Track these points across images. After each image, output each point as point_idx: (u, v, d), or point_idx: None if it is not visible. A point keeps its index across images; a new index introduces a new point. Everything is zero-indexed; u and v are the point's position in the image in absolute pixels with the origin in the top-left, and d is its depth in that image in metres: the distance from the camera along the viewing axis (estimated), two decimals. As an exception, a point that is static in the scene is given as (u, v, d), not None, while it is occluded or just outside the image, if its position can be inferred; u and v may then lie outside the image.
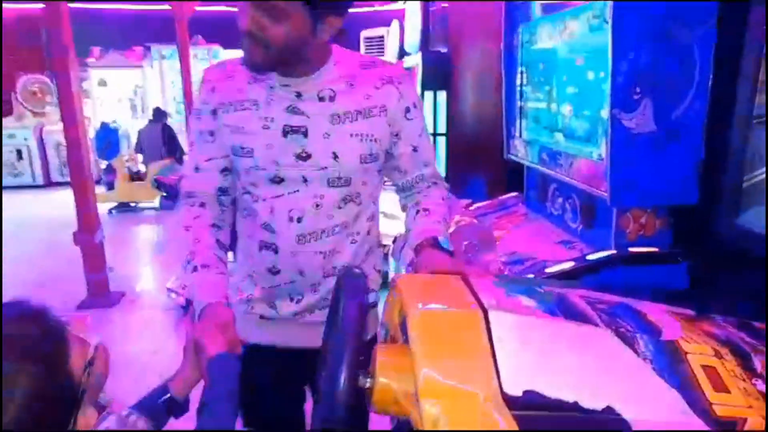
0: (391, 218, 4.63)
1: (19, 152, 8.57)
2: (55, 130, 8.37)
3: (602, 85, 1.89)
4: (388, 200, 4.56)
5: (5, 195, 8.21)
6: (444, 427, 0.63)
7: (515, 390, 0.66)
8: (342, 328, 0.76)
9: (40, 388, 0.71)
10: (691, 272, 1.87)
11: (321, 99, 1.14)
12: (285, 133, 1.13)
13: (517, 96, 2.86)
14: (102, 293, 4.05)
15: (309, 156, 1.14)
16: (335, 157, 1.14)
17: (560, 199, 2.54)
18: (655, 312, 0.92)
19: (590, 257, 2.02)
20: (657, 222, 2.00)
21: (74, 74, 3.84)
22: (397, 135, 1.20)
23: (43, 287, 4.23)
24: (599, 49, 1.87)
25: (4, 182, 8.53)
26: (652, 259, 1.90)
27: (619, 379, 0.72)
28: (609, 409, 0.66)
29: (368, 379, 0.81)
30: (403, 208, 1.33)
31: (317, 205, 1.17)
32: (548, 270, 2.02)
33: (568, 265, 2.01)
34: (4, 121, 8.61)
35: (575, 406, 0.66)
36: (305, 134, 1.13)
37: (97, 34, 8.30)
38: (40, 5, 3.92)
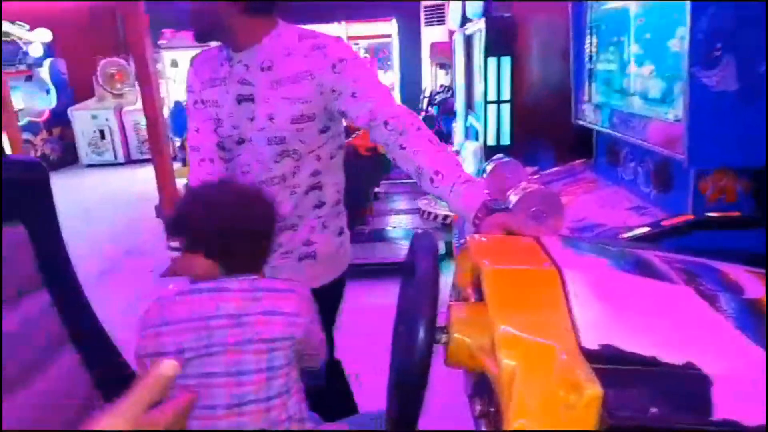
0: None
1: (101, 132, 9.11)
2: (133, 110, 8.84)
3: (679, 42, 1.80)
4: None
5: (91, 172, 8.82)
6: (521, 378, 0.65)
7: (592, 344, 0.67)
8: (418, 285, 0.80)
9: None
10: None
11: (262, 69, 1.34)
12: (239, 101, 1.37)
13: (586, 58, 2.76)
14: (182, 263, 4.30)
15: (254, 119, 1.36)
16: (271, 119, 1.34)
17: (632, 164, 2.45)
18: (735, 271, 0.90)
19: (665, 222, 1.96)
20: (738, 185, 1.90)
21: (150, 57, 4.03)
22: (333, 91, 1.33)
23: (129, 257, 4.55)
24: (676, 3, 1.77)
25: (90, 160, 9.16)
26: (733, 224, 1.82)
27: (700, 335, 0.72)
28: (689, 365, 0.66)
29: (443, 335, 0.85)
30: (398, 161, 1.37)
31: (258, 161, 1.40)
32: (620, 237, 1.97)
33: (641, 231, 1.95)
34: (88, 102, 9.17)
35: (654, 361, 0.66)
36: (252, 100, 1.36)
37: (168, 16, 8.61)
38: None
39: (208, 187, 1.17)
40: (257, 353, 0.99)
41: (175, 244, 1.06)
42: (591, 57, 2.72)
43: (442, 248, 4.01)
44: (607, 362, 0.66)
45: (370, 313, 3.26)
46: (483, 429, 0.75)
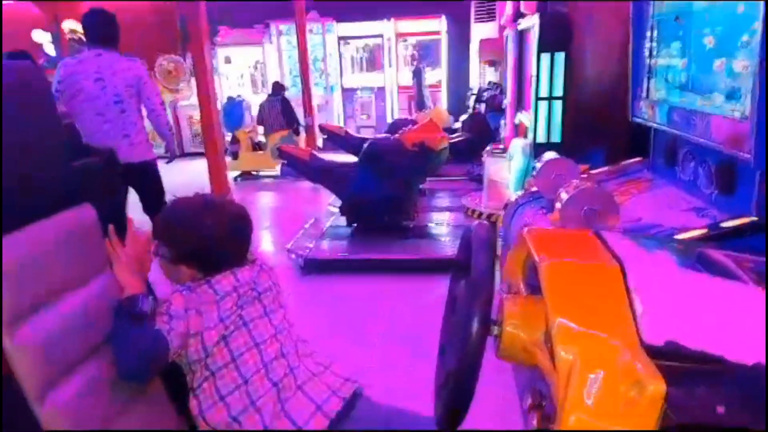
0: (502, 186, 4.57)
1: (157, 126, 9.45)
2: (187, 105, 9.13)
3: (750, 37, 1.71)
4: (496, 168, 4.51)
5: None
6: (579, 372, 0.64)
7: (656, 340, 0.65)
8: (474, 279, 0.79)
9: None
10: None
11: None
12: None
13: (646, 53, 2.66)
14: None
15: None
16: None
17: (692, 164, 2.35)
18: (810, 274, 0.86)
19: (726, 224, 1.87)
20: (809, 188, 1.79)
21: (208, 55, 4.16)
22: None
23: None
24: (747, -4, 1.69)
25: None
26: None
27: (769, 337, 0.69)
28: (758, 365, 0.64)
29: (495, 328, 0.85)
30: None
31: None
32: (678, 237, 1.90)
33: (699, 232, 1.87)
34: (145, 98, 9.51)
35: (721, 360, 0.64)
36: None
37: (223, 13, 8.84)
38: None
39: (189, 205, 1.28)
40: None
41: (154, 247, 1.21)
42: (651, 52, 2.62)
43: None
44: (671, 359, 0.64)
45: (418, 310, 3.28)
46: (534, 422, 0.75)
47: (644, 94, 2.69)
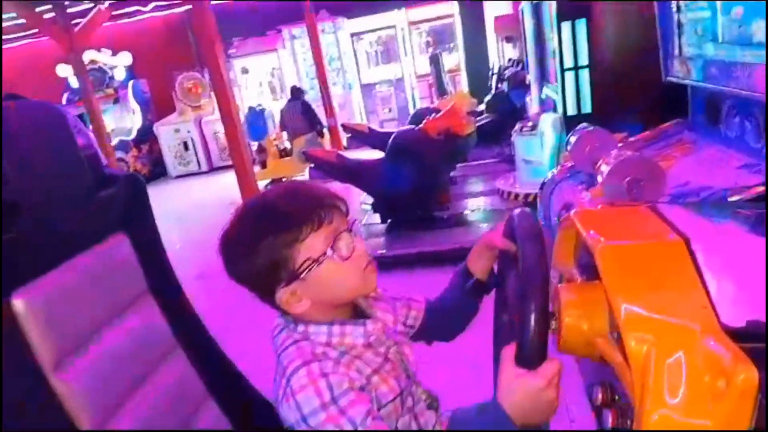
0: (535, 165, 4.45)
1: (185, 144, 9.62)
2: (211, 120, 9.26)
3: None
4: (527, 147, 4.38)
5: (179, 183, 9.34)
6: (657, 364, 0.59)
7: (736, 321, 0.59)
8: (525, 271, 0.73)
9: None
10: None
11: None
12: None
13: (674, 8, 2.52)
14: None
15: None
16: None
17: (737, 118, 2.22)
18: None
19: (785, 178, 1.75)
20: None
21: (223, 67, 4.17)
22: None
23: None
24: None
25: (177, 172, 9.70)
26: None
27: None
28: None
29: (553, 321, 0.79)
30: None
31: None
32: (732, 198, 1.79)
33: (758, 190, 1.76)
34: (170, 117, 9.70)
35: (809, 335, 0.57)
36: None
37: (234, 25, 8.91)
38: (186, 7, 4.29)
39: None
40: None
41: None
42: (678, 7, 2.49)
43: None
44: (757, 340, 0.57)
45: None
46: (609, 420, 0.69)
47: (676, 52, 2.56)
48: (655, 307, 0.62)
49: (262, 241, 0.82)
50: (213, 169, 9.73)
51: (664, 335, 0.59)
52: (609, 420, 0.68)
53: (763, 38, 1.88)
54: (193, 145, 9.64)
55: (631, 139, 2.73)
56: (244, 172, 4.37)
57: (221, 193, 7.22)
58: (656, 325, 0.60)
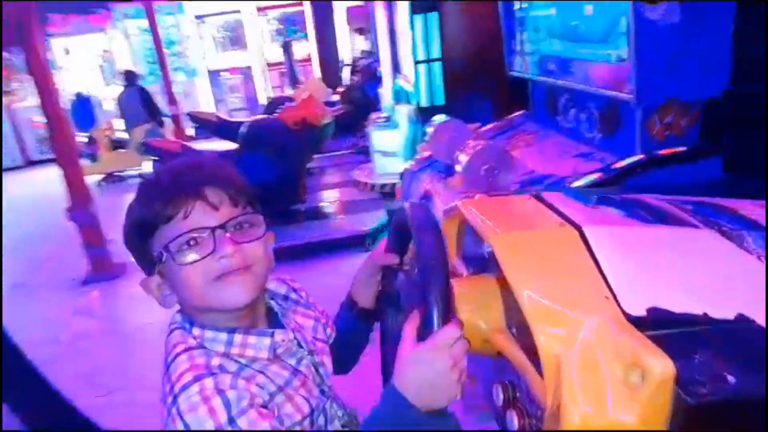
0: (390, 156, 4.52)
1: (-8, 135, 8.22)
2: (24, 107, 8.01)
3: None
4: (382, 138, 4.40)
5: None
6: (567, 360, 0.55)
7: (638, 309, 0.57)
8: (424, 266, 0.65)
9: None
10: (727, 165, 1.78)
11: None
12: None
13: (516, 6, 2.68)
14: (105, 266, 3.95)
15: None
16: None
17: (573, 111, 2.42)
18: (744, 206, 0.84)
19: (616, 165, 1.93)
20: (683, 120, 1.90)
21: (42, 46, 3.57)
22: None
23: (47, 264, 4.15)
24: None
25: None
26: (686, 157, 1.81)
27: (741, 283, 0.64)
28: (741, 317, 0.58)
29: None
30: None
31: None
32: (574, 185, 1.93)
33: (593, 177, 1.92)
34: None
35: (705, 319, 0.58)
36: None
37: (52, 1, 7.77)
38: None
39: None
40: None
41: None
42: (520, 5, 2.64)
43: (384, 218, 3.91)
44: (659, 328, 0.56)
45: (327, 292, 3.11)
46: (514, 421, 0.65)
47: (518, 47, 2.72)
48: (561, 300, 0.58)
49: (130, 218, 0.74)
50: (30, 163, 8.46)
51: (575, 329, 0.56)
52: (514, 421, 0.64)
53: (597, 37, 2.05)
54: (2, 137, 8.27)
55: (482, 129, 2.86)
56: (71, 166, 3.80)
57: (40, 191, 6.29)
58: (565, 319, 0.57)
